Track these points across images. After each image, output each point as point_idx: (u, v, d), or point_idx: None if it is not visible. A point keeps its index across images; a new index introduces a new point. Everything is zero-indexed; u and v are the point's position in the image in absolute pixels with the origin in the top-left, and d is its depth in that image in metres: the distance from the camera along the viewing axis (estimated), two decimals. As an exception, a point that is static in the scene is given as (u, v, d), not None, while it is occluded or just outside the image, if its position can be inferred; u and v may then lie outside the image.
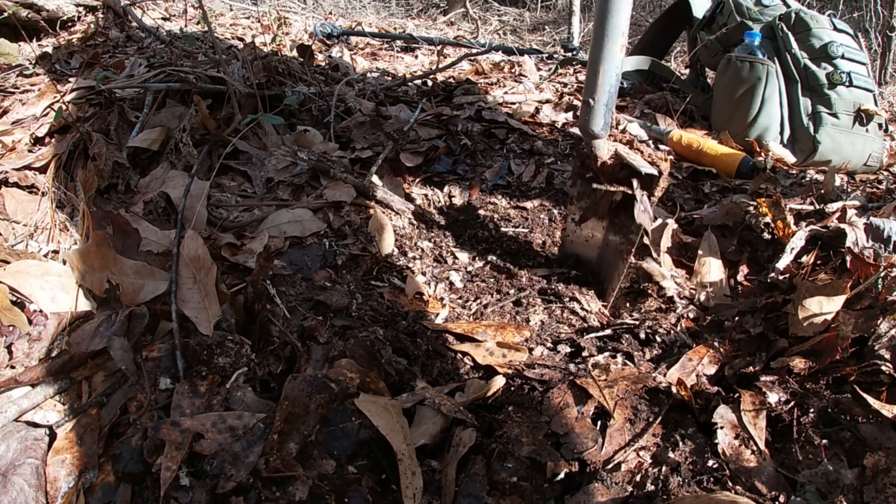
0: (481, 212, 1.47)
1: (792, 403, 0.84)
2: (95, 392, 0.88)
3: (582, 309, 1.16)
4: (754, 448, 0.79)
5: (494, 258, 1.32)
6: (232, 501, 0.69)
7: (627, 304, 1.19)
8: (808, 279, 1.05)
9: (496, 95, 2.12)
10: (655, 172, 1.04)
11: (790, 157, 1.78)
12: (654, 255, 1.26)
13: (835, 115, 1.75)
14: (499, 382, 0.93)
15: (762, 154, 1.76)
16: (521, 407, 0.88)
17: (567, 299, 1.18)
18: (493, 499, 0.76)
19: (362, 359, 0.93)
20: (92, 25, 2.73)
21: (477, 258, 1.33)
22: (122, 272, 1.01)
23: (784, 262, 1.16)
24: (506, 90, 2.21)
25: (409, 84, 2.13)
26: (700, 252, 1.25)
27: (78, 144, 1.41)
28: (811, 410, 0.83)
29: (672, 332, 1.06)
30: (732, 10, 2.02)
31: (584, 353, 1.01)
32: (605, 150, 1.09)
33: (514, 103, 2.06)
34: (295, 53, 2.26)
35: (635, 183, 1.06)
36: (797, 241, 1.19)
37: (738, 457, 0.78)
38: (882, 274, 0.97)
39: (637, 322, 1.08)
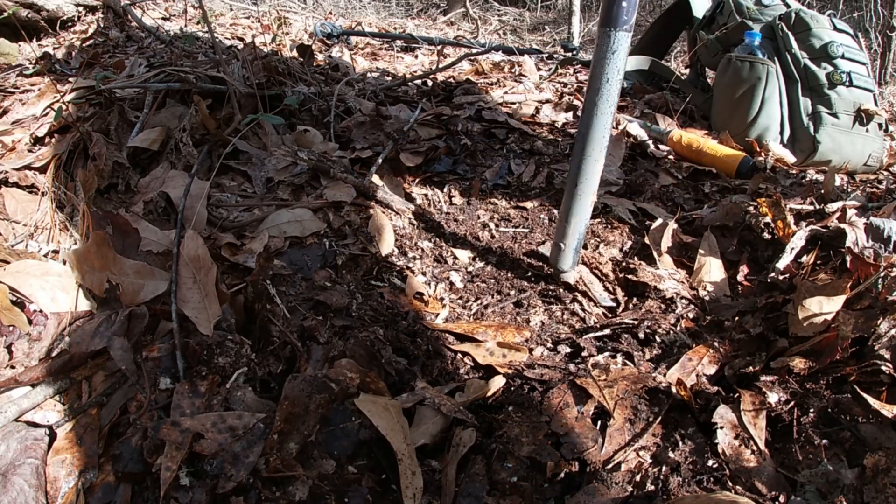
0: (481, 212, 1.47)
1: (792, 403, 0.84)
2: (95, 392, 0.88)
3: (583, 310, 1.16)
4: (754, 448, 0.79)
5: (495, 259, 1.32)
6: (232, 501, 0.69)
7: (630, 306, 1.19)
8: (808, 279, 1.04)
9: (496, 95, 2.12)
10: (612, 304, 1.19)
11: (790, 157, 1.78)
12: (655, 255, 1.26)
13: (835, 115, 1.75)
14: (499, 382, 0.93)
15: (762, 154, 1.76)
16: (521, 407, 0.88)
17: (568, 300, 1.18)
18: (493, 499, 0.76)
19: (362, 359, 0.93)
20: (92, 25, 2.73)
21: (477, 258, 1.33)
22: (122, 272, 1.01)
23: (784, 262, 1.16)
24: (506, 90, 2.21)
25: (409, 84, 2.13)
26: (700, 252, 1.25)
27: (78, 144, 1.41)
28: (811, 410, 0.83)
29: (672, 332, 1.06)
30: (732, 10, 2.02)
31: (584, 354, 1.01)
32: (572, 279, 1.22)
33: (514, 103, 2.06)
34: (295, 53, 2.26)
35: None
36: (797, 241, 1.19)
37: (738, 457, 0.78)
38: (882, 274, 0.97)
39: (637, 322, 1.08)
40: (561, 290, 1.20)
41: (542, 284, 1.23)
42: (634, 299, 1.19)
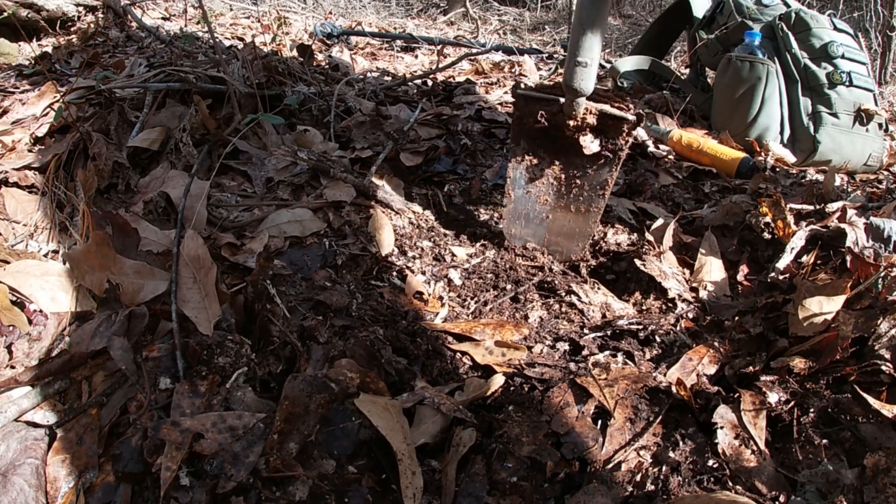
0: (481, 211, 1.47)
1: (792, 403, 0.84)
2: (95, 392, 0.88)
3: (580, 301, 1.15)
4: (754, 448, 0.79)
5: (492, 254, 1.32)
6: (232, 501, 0.69)
7: (632, 304, 1.19)
8: (808, 279, 1.04)
9: (496, 95, 2.12)
10: (634, 119, 1.13)
11: (790, 157, 1.78)
12: (657, 251, 1.26)
13: (835, 115, 1.75)
14: (498, 381, 0.93)
15: (762, 154, 1.76)
16: (521, 406, 0.88)
17: (563, 293, 1.18)
18: (494, 499, 0.76)
19: (362, 359, 0.93)
20: (92, 25, 2.73)
21: (475, 255, 1.33)
22: (122, 272, 1.01)
23: (784, 261, 1.16)
24: (506, 90, 2.21)
25: (409, 84, 2.13)
26: (701, 252, 1.25)
27: (78, 144, 1.41)
28: (811, 410, 0.83)
29: (672, 332, 1.06)
30: (732, 10, 2.02)
31: (585, 352, 1.01)
32: (582, 108, 1.14)
33: (514, 103, 2.05)
34: (295, 53, 2.26)
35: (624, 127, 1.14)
36: (797, 240, 1.19)
37: (738, 457, 0.78)
38: (882, 274, 0.97)
39: (637, 322, 1.08)
40: (557, 281, 1.20)
41: (538, 275, 1.23)
42: (637, 295, 1.19)
